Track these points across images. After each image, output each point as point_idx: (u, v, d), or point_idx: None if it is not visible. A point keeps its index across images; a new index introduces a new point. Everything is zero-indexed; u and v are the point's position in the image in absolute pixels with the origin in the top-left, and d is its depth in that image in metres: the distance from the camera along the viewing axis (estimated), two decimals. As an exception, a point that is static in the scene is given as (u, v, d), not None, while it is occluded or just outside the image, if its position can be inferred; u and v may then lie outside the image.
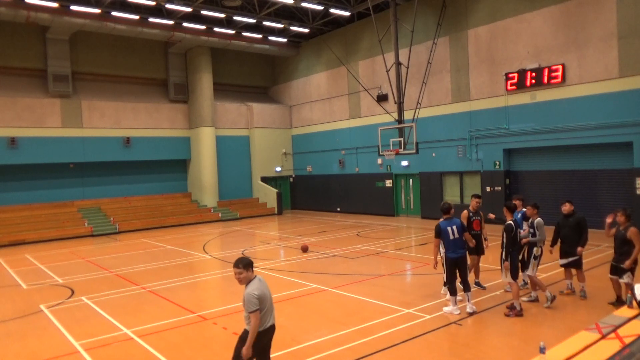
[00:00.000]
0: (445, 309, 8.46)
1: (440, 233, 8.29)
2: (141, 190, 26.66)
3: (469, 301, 8.37)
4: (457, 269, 8.36)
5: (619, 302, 7.92)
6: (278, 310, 8.70)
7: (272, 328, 5.21)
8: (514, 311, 8.02)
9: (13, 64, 23.26)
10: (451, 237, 8.26)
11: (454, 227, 8.29)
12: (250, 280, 5.10)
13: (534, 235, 8.18)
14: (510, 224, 8.17)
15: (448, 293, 8.64)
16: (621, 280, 7.86)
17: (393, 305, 8.95)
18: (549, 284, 9.68)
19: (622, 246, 7.83)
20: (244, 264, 5.06)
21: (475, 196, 9.83)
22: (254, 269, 5.25)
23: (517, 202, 9.30)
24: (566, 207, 8.87)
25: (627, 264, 7.66)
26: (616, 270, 7.98)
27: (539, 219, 8.43)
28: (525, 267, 8.86)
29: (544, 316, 7.99)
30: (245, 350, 4.93)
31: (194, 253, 16.32)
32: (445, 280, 8.55)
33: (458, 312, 8.26)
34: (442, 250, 8.51)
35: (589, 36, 16.61)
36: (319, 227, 21.72)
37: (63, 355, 7.22)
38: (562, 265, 9.09)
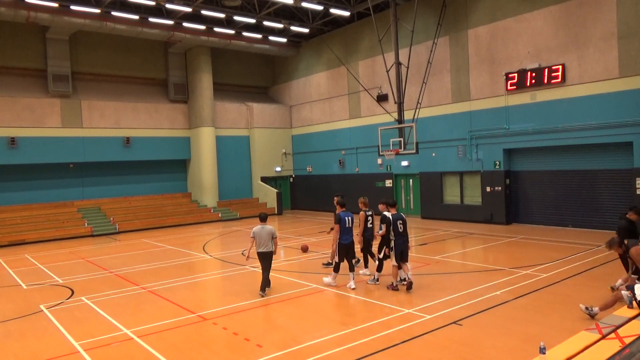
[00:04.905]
0: (325, 279, 10.47)
1: (340, 220, 10.20)
2: (141, 190, 26.65)
3: (352, 280, 10.19)
4: (347, 253, 10.25)
5: None
6: (278, 310, 8.88)
7: (262, 253, 9.78)
8: (391, 286, 9.81)
9: (13, 64, 23.24)
10: (347, 225, 10.19)
11: (349, 218, 10.32)
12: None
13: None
14: (388, 216, 10.04)
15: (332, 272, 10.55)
16: None
17: (393, 305, 8.95)
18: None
19: None
20: (261, 217, 9.95)
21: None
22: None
23: (381, 206, 10.78)
24: None
25: None
26: None
27: None
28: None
29: (544, 316, 7.98)
30: (246, 253, 9.94)
31: (194, 253, 16.31)
32: (335, 261, 10.34)
33: (335, 284, 10.21)
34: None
35: (589, 36, 16.60)
36: (319, 227, 21.70)
37: (63, 355, 7.22)
38: None
